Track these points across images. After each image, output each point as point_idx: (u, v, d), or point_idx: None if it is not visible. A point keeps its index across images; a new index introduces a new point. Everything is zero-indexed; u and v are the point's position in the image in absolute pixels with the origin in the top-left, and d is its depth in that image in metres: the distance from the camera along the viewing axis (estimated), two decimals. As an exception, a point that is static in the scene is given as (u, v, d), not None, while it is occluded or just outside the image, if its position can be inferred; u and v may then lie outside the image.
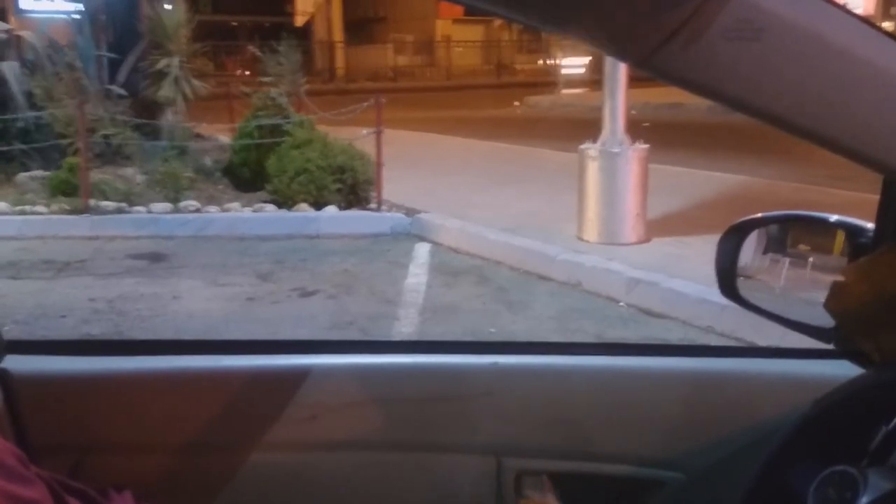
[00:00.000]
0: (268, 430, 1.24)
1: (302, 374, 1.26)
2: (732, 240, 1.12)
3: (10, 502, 0.69)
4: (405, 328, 4.77)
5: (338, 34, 30.48)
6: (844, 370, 1.01)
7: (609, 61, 6.08)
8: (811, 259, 1.12)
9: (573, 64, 22.87)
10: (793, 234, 1.17)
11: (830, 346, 1.04)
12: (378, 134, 7.37)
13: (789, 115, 0.67)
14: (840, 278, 0.95)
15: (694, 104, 14.51)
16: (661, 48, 0.62)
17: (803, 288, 1.10)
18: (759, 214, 1.12)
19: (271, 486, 1.25)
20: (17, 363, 1.25)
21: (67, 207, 7.33)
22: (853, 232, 1.02)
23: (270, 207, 7.51)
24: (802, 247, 1.15)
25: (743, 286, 1.12)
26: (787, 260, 1.15)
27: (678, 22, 0.60)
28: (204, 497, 1.23)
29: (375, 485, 1.27)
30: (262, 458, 1.26)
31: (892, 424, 0.88)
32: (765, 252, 1.16)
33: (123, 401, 1.26)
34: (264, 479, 1.25)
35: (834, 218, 1.04)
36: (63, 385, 1.27)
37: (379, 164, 7.37)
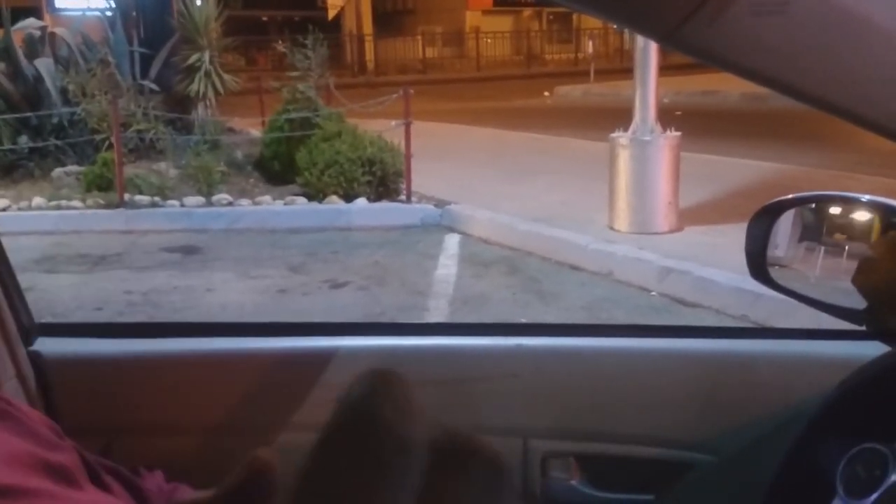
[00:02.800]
0: (296, 411, 1.26)
1: (329, 355, 1.27)
2: (763, 222, 1.11)
3: (42, 466, 0.70)
4: (435, 319, 4.77)
5: (367, 27, 30.51)
6: (875, 351, 1.00)
7: (639, 49, 6.02)
8: (847, 248, 1.09)
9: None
10: (828, 222, 1.14)
11: (862, 328, 1.03)
12: (407, 125, 7.37)
13: (818, 90, 0.66)
14: (869, 253, 0.94)
15: (727, 92, 14.33)
16: (686, 23, 0.61)
17: (838, 277, 1.08)
18: (790, 195, 1.10)
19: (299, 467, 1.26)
20: (50, 345, 1.27)
21: (102, 202, 7.43)
22: (886, 211, 1.00)
23: (301, 200, 7.55)
24: (838, 235, 1.13)
25: (777, 274, 1.11)
26: (823, 249, 1.13)
27: None
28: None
29: None
30: (291, 439, 1.26)
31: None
32: (800, 241, 1.14)
33: (154, 382, 1.28)
34: (293, 460, 1.26)
35: (866, 197, 1.02)
36: (94, 367, 1.29)
37: (408, 156, 7.38)
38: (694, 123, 8.80)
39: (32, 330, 1.28)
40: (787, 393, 1.21)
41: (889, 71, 0.64)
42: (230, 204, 7.54)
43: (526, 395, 1.27)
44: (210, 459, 1.25)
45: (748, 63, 0.63)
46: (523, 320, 4.69)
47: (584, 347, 1.31)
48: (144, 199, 7.49)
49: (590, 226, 6.05)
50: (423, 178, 7.52)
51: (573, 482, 1.29)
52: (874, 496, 0.87)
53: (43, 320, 1.33)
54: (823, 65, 0.63)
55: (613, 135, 6.07)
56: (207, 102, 9.21)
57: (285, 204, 7.54)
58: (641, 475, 1.28)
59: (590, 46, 22.26)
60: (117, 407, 1.27)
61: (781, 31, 0.61)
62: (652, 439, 1.27)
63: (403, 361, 1.30)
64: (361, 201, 7.37)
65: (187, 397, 1.28)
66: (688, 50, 0.63)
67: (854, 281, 0.98)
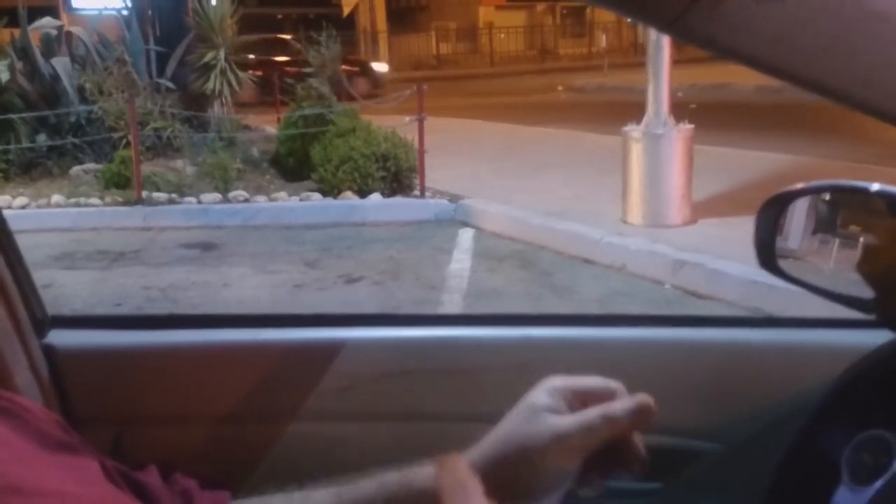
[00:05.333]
0: (305, 401, 1.26)
1: (338, 346, 1.27)
2: (771, 212, 1.10)
3: (51, 465, 0.69)
4: (448, 313, 4.79)
5: (381, 24, 30.50)
6: (884, 339, 1.00)
7: (652, 43, 6.01)
8: (861, 239, 1.09)
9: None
10: (842, 213, 1.14)
11: (871, 317, 1.02)
12: (420, 121, 7.39)
13: (823, 78, 0.66)
14: (874, 241, 0.94)
15: (741, 84, 14.24)
16: (689, 11, 0.61)
17: (853, 268, 1.08)
18: (799, 185, 1.10)
19: (308, 456, 1.27)
20: (62, 338, 1.28)
21: (120, 199, 7.50)
22: (894, 200, 1.00)
23: (316, 196, 7.59)
24: (853, 227, 1.13)
25: (790, 266, 1.10)
26: (837, 240, 1.12)
27: None
28: (244, 467, 1.25)
29: (409, 455, 1.29)
30: (300, 428, 1.27)
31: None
32: (814, 232, 1.13)
33: (165, 374, 1.28)
34: (302, 449, 1.27)
35: (875, 187, 1.02)
36: (107, 359, 1.29)
37: (421, 152, 7.39)
38: (708, 116, 8.76)
39: (45, 322, 1.28)
40: (795, 382, 1.20)
41: (894, 56, 0.65)
42: (246, 200, 7.58)
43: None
44: (222, 450, 1.26)
45: (752, 51, 0.64)
46: (535, 313, 4.70)
47: (591, 337, 1.32)
48: (162, 196, 7.54)
49: (603, 219, 6.05)
50: (437, 173, 7.54)
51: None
52: (879, 483, 0.87)
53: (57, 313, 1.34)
54: (828, 52, 0.63)
55: (626, 128, 6.06)
56: (223, 100, 9.26)
57: (301, 200, 7.58)
58: (650, 464, 1.29)
59: (603, 40, 22.14)
60: (130, 398, 1.27)
61: (784, 18, 0.61)
62: (658, 428, 1.26)
63: (412, 352, 1.30)
64: (376, 197, 7.39)
65: (199, 389, 1.28)
66: (691, 38, 0.64)
67: (859, 268, 0.98)
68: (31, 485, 0.64)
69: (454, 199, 7.24)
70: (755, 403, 1.23)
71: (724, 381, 1.26)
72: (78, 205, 7.53)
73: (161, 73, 9.38)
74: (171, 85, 9.21)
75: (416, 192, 7.50)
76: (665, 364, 1.27)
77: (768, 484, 1.03)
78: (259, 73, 11.93)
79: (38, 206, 7.57)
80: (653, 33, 5.96)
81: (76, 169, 8.34)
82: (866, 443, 0.90)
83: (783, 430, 1.05)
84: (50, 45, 9.27)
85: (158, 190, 7.59)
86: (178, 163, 8.26)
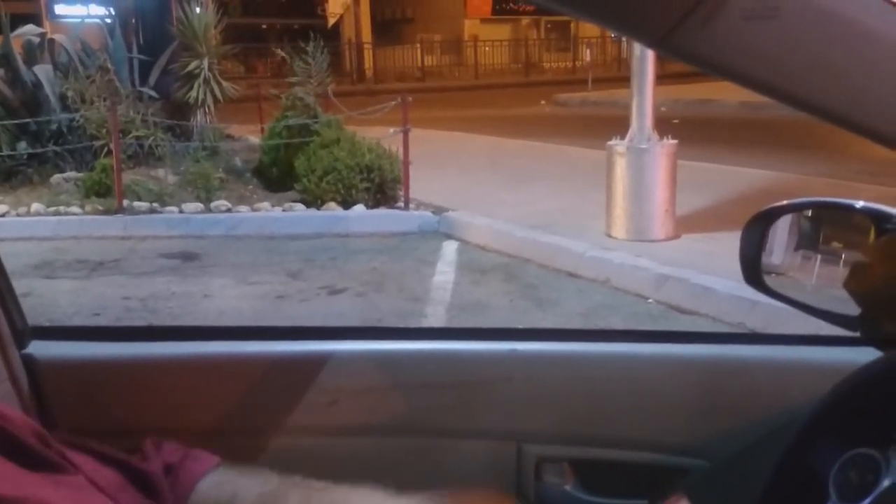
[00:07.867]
0: (289, 414, 1.26)
1: (322, 359, 1.27)
2: (757, 228, 1.11)
3: (26, 475, 0.69)
4: (433, 325, 4.77)
5: (366, 35, 30.57)
6: (869, 357, 1.00)
7: (636, 58, 6.04)
8: (844, 255, 1.09)
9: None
10: (825, 230, 1.14)
11: (856, 334, 1.03)
12: (405, 133, 7.38)
13: (809, 95, 0.66)
14: (861, 258, 0.94)
15: (725, 100, 14.36)
16: (677, 28, 0.62)
17: (835, 284, 1.08)
18: (785, 201, 1.10)
19: (292, 470, 1.26)
20: (43, 349, 1.27)
21: (101, 208, 7.44)
22: (879, 218, 1.00)
23: (300, 207, 7.56)
24: (835, 243, 1.13)
25: (773, 282, 1.10)
26: (819, 256, 1.12)
27: (693, 1, 0.60)
28: None
29: (395, 469, 1.27)
30: (284, 442, 1.27)
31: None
32: (796, 249, 1.13)
33: (147, 386, 1.28)
34: (285, 463, 1.26)
35: (860, 204, 1.02)
36: (87, 370, 1.28)
37: (406, 163, 7.39)
38: (691, 132, 8.82)
39: (26, 333, 1.28)
40: (781, 398, 1.21)
41: (880, 75, 0.65)
42: (229, 210, 7.54)
43: (520, 399, 1.27)
44: None
45: (739, 67, 0.64)
46: (520, 326, 4.69)
47: (577, 352, 1.31)
48: (143, 205, 7.49)
49: (587, 233, 6.06)
50: (422, 184, 7.54)
51: (567, 487, 1.29)
52: (866, 501, 0.87)
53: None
54: (814, 69, 0.64)
55: (610, 143, 6.08)
56: (206, 109, 9.22)
57: (284, 210, 7.55)
58: (635, 480, 1.28)
59: (587, 55, 22.29)
60: (110, 410, 1.26)
61: (772, 36, 0.61)
62: (646, 444, 1.27)
63: (398, 365, 1.30)
64: (359, 208, 7.37)
65: (181, 401, 1.27)
66: (679, 55, 0.64)
67: (846, 286, 0.98)
68: (6, 496, 0.65)
69: (438, 210, 7.23)
70: (741, 420, 1.24)
71: (710, 398, 1.26)
72: (58, 213, 7.47)
73: (144, 81, 9.33)
74: (154, 93, 9.17)
75: (401, 204, 7.49)
76: (651, 380, 1.27)
77: (756, 502, 1.02)
78: None
79: (18, 214, 7.50)
80: (637, 48, 6.00)
81: (57, 177, 8.27)
82: (853, 461, 0.90)
83: (770, 447, 1.05)
84: (32, 53, 9.20)
85: (139, 199, 7.54)
86: (160, 172, 8.21)
